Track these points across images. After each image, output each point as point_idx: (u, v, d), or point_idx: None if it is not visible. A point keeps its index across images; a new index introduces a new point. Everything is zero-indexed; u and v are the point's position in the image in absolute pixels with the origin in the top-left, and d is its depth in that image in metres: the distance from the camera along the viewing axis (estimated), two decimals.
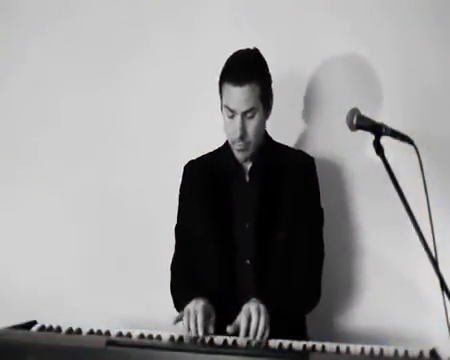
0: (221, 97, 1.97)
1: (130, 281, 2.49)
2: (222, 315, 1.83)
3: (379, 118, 1.62)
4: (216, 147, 2.14)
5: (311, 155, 2.08)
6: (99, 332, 1.75)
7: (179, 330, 1.76)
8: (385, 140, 1.57)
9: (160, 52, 2.52)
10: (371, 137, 1.57)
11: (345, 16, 2.33)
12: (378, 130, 1.56)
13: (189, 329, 1.74)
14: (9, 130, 2.68)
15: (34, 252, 2.61)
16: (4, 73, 2.68)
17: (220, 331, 1.75)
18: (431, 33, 2.26)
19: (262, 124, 1.97)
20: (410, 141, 1.58)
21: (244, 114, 1.91)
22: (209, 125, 2.41)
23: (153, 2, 2.54)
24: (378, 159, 1.54)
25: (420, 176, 1.55)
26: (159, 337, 1.71)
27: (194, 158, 2.14)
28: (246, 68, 1.92)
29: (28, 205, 2.64)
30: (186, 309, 1.78)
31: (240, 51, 1.99)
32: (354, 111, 1.60)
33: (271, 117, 2.04)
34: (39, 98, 2.64)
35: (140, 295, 2.47)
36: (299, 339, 1.71)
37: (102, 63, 2.58)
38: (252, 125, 1.93)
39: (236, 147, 1.96)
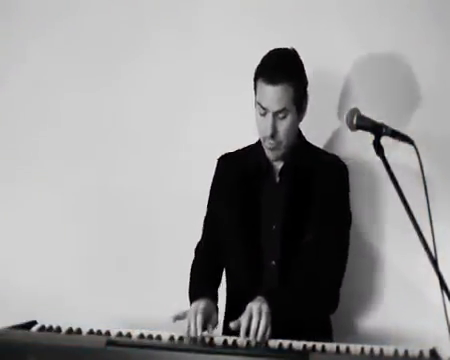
0: (255, 93, 1.95)
1: (130, 281, 2.49)
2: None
3: (379, 118, 1.62)
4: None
5: None
6: (99, 332, 1.75)
7: (179, 330, 1.76)
8: (385, 140, 1.57)
9: (160, 52, 2.52)
10: (371, 137, 1.57)
11: (344, 15, 2.33)
12: (378, 130, 1.56)
13: (189, 329, 1.74)
14: (9, 130, 2.68)
15: (34, 252, 2.61)
16: (4, 73, 2.68)
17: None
18: (431, 32, 2.26)
19: (294, 125, 1.94)
20: (410, 141, 1.58)
21: (276, 114, 1.89)
22: (209, 125, 2.41)
23: (153, 2, 2.54)
24: (377, 159, 1.54)
25: (420, 176, 1.55)
26: (159, 337, 1.71)
27: (230, 151, 2.11)
28: (281, 68, 1.89)
29: (28, 205, 2.64)
30: (189, 309, 1.79)
31: (277, 49, 1.97)
32: (354, 111, 1.60)
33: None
34: (39, 98, 2.64)
35: (140, 295, 2.47)
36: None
37: (102, 63, 2.58)
38: (283, 125, 1.90)
39: (267, 145, 1.94)
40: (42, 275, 2.58)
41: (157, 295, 2.37)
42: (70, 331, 1.76)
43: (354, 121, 1.59)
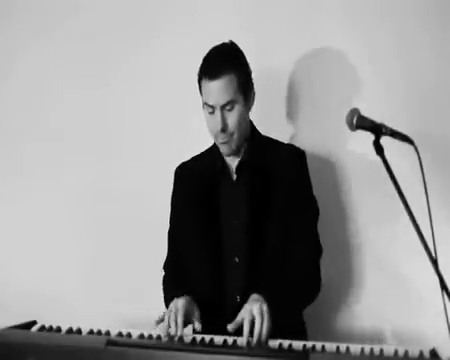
0: (201, 95, 1.97)
1: (130, 281, 2.49)
2: (213, 313, 1.86)
3: (379, 118, 1.62)
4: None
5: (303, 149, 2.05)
6: (99, 332, 1.75)
7: None
8: (385, 140, 1.56)
9: (160, 52, 2.53)
10: (371, 137, 1.57)
11: (345, 15, 2.33)
12: (378, 130, 1.56)
13: (170, 328, 1.73)
14: (9, 129, 2.68)
15: (34, 252, 2.62)
16: (4, 72, 2.68)
17: (213, 329, 1.75)
18: (430, 32, 2.26)
19: (243, 115, 1.94)
20: (410, 141, 1.58)
21: (223, 107, 1.90)
22: None
23: (154, 2, 2.54)
24: (377, 158, 1.54)
25: (420, 176, 1.55)
26: (159, 337, 1.72)
27: (185, 160, 2.14)
28: (221, 60, 1.91)
29: (28, 205, 2.64)
30: (168, 309, 1.79)
31: (215, 46, 1.98)
32: (354, 111, 1.59)
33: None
34: (39, 98, 2.65)
35: (140, 295, 2.47)
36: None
37: (102, 63, 2.59)
38: (232, 117, 1.92)
39: (219, 141, 1.95)
40: (42, 275, 2.59)
41: (157, 295, 2.36)
42: (70, 331, 1.76)
43: (354, 121, 1.58)
